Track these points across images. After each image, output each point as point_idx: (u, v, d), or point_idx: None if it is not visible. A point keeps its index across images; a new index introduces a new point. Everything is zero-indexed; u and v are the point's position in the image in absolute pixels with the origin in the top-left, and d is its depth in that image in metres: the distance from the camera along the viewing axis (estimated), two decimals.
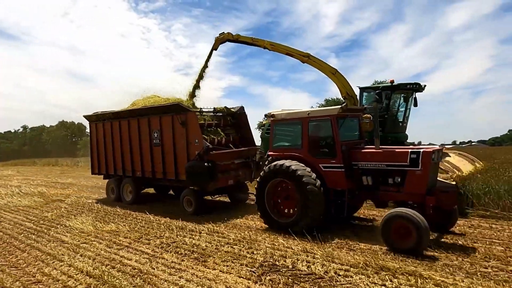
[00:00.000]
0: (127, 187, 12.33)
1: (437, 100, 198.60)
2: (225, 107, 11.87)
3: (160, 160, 10.91)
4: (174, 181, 10.77)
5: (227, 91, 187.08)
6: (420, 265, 5.96)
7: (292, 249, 7.05)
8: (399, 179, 7.25)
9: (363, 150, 7.88)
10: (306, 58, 14.59)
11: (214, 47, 14.56)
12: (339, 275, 5.74)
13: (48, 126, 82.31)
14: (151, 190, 14.32)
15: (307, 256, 6.64)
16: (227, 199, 12.34)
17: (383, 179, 7.51)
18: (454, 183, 9.52)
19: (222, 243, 7.66)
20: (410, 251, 6.29)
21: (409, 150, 7.16)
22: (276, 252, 6.90)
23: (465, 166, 12.72)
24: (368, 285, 5.32)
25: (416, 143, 14.26)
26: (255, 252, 7.00)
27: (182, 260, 6.80)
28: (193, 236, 8.30)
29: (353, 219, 9.30)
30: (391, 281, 5.37)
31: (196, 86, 13.57)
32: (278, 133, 8.92)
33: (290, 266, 6.18)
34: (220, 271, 6.20)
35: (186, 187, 10.45)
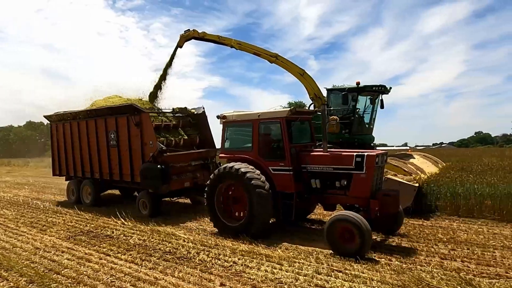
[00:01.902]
0: (86, 189, 12.14)
1: (414, 103, 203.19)
2: (185, 107, 11.73)
3: (116, 161, 10.78)
4: (130, 183, 10.64)
5: (207, 92, 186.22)
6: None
7: (117, 223, 9.40)
8: (345, 182, 7.28)
9: (311, 153, 7.86)
10: (274, 59, 14.55)
11: (179, 44, 14.40)
12: (125, 235, 8.19)
13: (16, 126, 79.93)
14: (117, 192, 14.22)
15: (121, 227, 9.02)
16: (188, 201, 12.24)
17: (331, 182, 7.53)
18: (417, 185, 9.60)
19: (74, 221, 9.93)
20: (354, 253, 6.28)
21: (354, 154, 7.17)
22: (104, 225, 9.23)
23: (429, 168, 12.86)
24: (134, 240, 7.81)
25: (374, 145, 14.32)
26: (88, 225, 9.37)
27: (31, 230, 9.01)
28: (59, 217, 10.49)
29: (306, 222, 9.31)
30: (152, 236, 8.01)
31: (158, 86, 13.37)
32: (229, 135, 8.83)
33: (100, 232, 8.56)
34: (48, 235, 8.44)
35: (142, 189, 10.30)
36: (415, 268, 5.84)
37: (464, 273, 5.62)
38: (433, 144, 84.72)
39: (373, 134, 13.87)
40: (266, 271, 5.87)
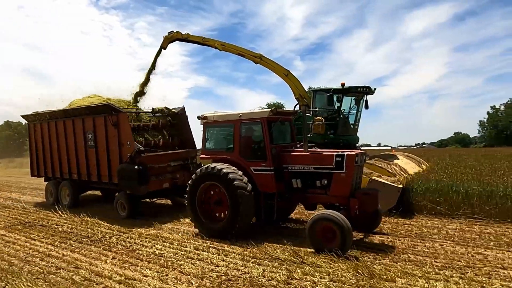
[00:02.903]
0: (64, 190, 11.86)
1: (397, 104, 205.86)
2: (165, 107, 11.51)
3: (94, 162, 10.54)
4: (108, 184, 10.42)
5: (193, 92, 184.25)
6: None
7: (55, 215, 10.51)
8: (325, 182, 7.32)
9: (292, 153, 7.84)
10: (258, 59, 14.52)
11: (163, 46, 14.26)
12: (57, 225, 9.46)
13: None
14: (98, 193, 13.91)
15: (58, 218, 10.20)
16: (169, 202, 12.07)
17: (311, 181, 7.55)
18: (401, 186, 9.56)
19: (18, 214, 11.14)
20: (335, 251, 6.26)
21: (334, 153, 7.20)
22: (43, 217, 10.43)
23: (412, 168, 12.88)
24: (63, 228, 9.12)
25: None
26: (29, 217, 10.61)
27: None
28: (6, 211, 11.72)
29: (287, 221, 9.29)
30: (80, 225, 9.32)
31: (142, 88, 13.13)
32: (210, 135, 8.78)
33: (36, 222, 9.78)
34: None
35: (120, 190, 10.07)
36: (271, 245, 7.05)
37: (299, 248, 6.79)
38: (416, 145, 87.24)
39: (358, 134, 13.87)
40: (156, 248, 7.19)
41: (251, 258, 6.41)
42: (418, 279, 5.28)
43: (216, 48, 14.19)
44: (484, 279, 5.28)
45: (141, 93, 13.29)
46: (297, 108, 12.88)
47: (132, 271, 5.98)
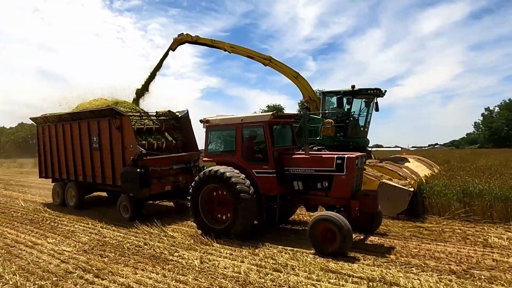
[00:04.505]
0: (70, 191, 11.96)
1: (411, 104, 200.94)
2: (169, 110, 11.51)
3: (99, 164, 10.58)
4: (112, 186, 10.45)
5: (205, 93, 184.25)
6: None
7: (23, 206, 12.55)
8: (326, 184, 7.38)
9: (293, 156, 7.87)
10: (268, 61, 14.45)
11: (172, 47, 14.34)
12: (21, 213, 11.29)
13: (8, 127, 78.00)
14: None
15: (22, 209, 11.87)
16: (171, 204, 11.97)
17: (313, 183, 7.63)
18: (412, 189, 9.29)
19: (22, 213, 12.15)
20: (335, 252, 6.35)
21: (335, 156, 7.25)
22: (14, 207, 12.32)
23: (423, 171, 12.51)
24: (22, 215, 10.96)
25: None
26: (3, 207, 12.48)
27: None
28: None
29: (288, 223, 9.25)
30: (35, 213, 11.24)
31: (145, 88, 13.14)
32: (212, 139, 8.77)
33: (6, 211, 11.63)
34: None
35: (123, 192, 10.07)
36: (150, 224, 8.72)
37: None
38: (428, 145, 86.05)
39: (368, 136, 13.57)
40: (73, 227, 9.13)
41: (134, 233, 8.24)
42: (238, 247, 7.02)
43: (225, 50, 14.18)
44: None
45: (144, 90, 13.30)
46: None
47: (41, 240, 7.99)
